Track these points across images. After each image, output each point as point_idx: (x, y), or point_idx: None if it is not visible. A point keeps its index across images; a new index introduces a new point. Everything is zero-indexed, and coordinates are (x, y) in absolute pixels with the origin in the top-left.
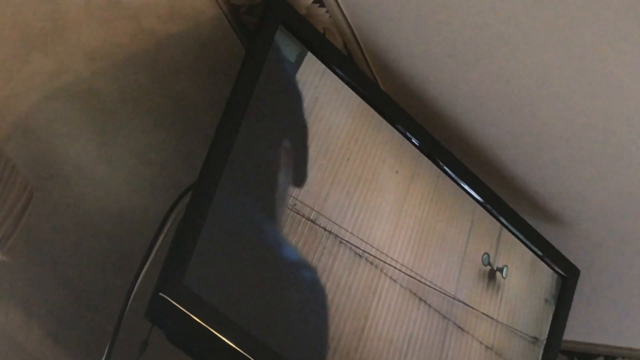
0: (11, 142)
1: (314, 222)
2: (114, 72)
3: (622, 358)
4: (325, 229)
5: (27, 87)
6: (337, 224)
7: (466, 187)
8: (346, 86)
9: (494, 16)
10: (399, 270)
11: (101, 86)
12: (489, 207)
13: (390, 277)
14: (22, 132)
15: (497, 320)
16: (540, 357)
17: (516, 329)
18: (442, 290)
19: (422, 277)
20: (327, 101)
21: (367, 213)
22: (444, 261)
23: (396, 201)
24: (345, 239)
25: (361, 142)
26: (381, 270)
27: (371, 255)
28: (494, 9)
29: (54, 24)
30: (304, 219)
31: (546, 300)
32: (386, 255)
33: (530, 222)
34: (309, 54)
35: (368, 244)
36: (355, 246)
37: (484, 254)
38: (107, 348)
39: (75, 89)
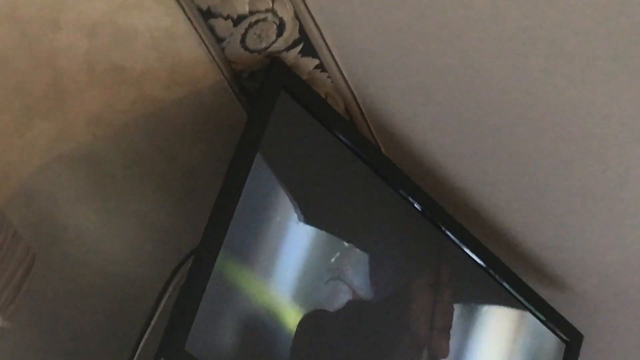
0: (13, 208)
1: None
2: (115, 138)
3: None
4: None
5: (29, 153)
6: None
7: (469, 251)
8: (348, 150)
9: (496, 86)
10: None
11: (103, 152)
12: (491, 272)
13: None
14: (23, 197)
15: None
16: None
17: None
18: None
19: None
20: (329, 166)
21: None
22: None
23: None
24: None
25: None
26: None
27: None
28: (494, 79)
29: (56, 90)
30: None
31: None
32: None
33: (532, 287)
34: (311, 118)
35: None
36: None
37: None
38: None
39: (77, 154)
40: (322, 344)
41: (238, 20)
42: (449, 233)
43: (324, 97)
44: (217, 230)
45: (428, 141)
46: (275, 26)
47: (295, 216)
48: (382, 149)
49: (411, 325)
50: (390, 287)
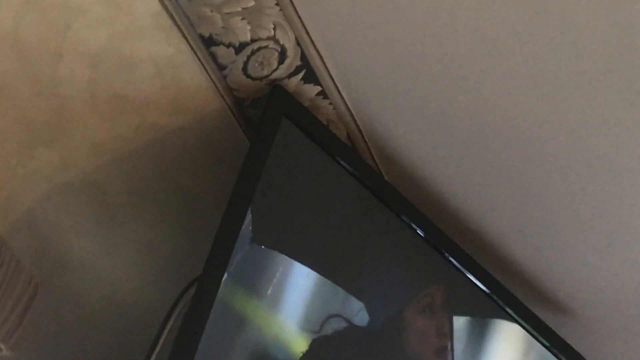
0: (16, 237)
1: None
2: (118, 166)
3: None
4: None
5: (31, 182)
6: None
7: (472, 277)
8: (350, 177)
9: (495, 109)
10: None
11: (106, 180)
12: (494, 297)
13: None
14: (26, 226)
15: None
16: None
17: None
18: None
19: None
20: (331, 192)
21: None
22: None
23: None
24: None
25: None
26: None
27: None
28: (491, 103)
29: (59, 118)
30: None
31: None
32: None
33: (536, 313)
34: (313, 145)
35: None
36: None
37: None
38: None
39: (79, 182)
40: None
41: (240, 48)
42: (452, 259)
43: (325, 124)
44: (220, 258)
45: (431, 167)
46: (277, 53)
47: (297, 244)
48: (385, 175)
49: (413, 349)
50: (391, 311)
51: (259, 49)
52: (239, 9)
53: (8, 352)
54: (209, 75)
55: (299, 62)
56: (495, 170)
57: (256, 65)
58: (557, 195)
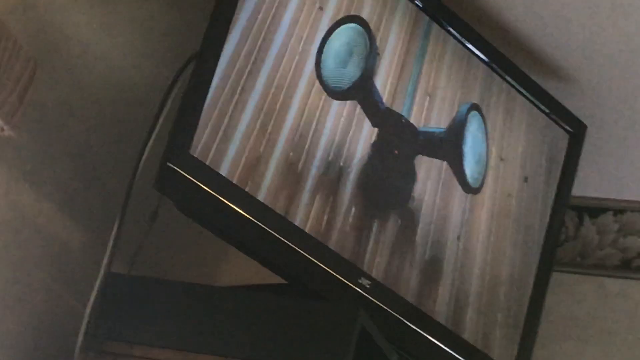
0: (12, 18)
1: None
2: None
3: (631, 212)
4: None
5: None
6: None
7: (469, 45)
8: None
9: None
10: None
11: None
12: (493, 65)
13: None
14: (22, 7)
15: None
16: (548, 215)
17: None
18: None
19: None
20: None
21: None
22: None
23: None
24: None
25: None
26: None
27: None
28: None
29: None
30: None
31: (552, 158)
32: None
33: (534, 78)
34: None
35: None
36: None
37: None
38: (118, 219)
39: None
40: None
41: None
42: (450, 29)
43: None
44: (218, 33)
45: None
46: None
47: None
48: None
49: None
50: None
51: None
52: None
53: (10, 132)
54: None
55: None
56: None
57: None
58: None
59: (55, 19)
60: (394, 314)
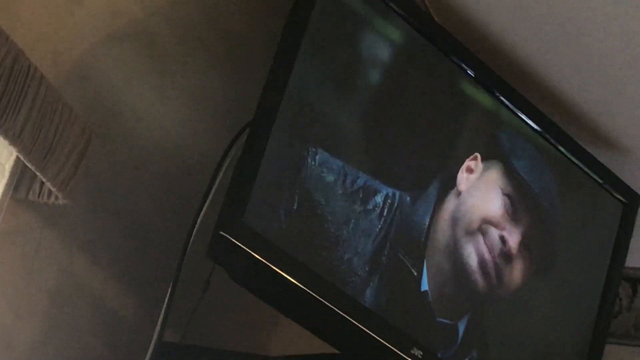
0: (67, 88)
1: None
2: (168, 13)
3: None
4: None
5: (81, 32)
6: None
7: (523, 115)
8: (399, 18)
9: None
10: None
11: (156, 27)
12: (547, 136)
13: None
14: (78, 77)
15: None
16: (602, 286)
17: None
18: None
19: None
20: (379, 35)
21: None
22: None
23: None
24: None
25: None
26: None
27: None
28: None
29: None
30: None
31: (605, 229)
32: None
33: (588, 150)
34: None
35: None
36: None
37: None
38: (170, 287)
39: (130, 31)
40: None
41: None
42: (503, 98)
43: None
44: (271, 102)
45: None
46: None
47: (348, 88)
48: (434, 17)
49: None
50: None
51: None
52: None
53: (64, 200)
54: None
55: None
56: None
57: None
58: (609, 24)
59: (111, 90)
60: None
